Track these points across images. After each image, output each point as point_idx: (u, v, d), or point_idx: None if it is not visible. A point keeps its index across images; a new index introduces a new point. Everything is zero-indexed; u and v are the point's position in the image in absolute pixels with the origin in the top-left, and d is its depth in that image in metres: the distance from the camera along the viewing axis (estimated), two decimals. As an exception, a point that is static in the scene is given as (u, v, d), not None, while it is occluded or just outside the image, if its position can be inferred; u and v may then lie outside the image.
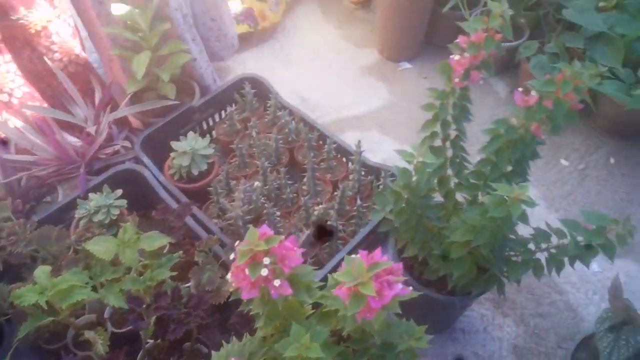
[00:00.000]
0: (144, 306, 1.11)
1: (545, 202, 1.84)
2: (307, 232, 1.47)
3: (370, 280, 0.64)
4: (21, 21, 1.43)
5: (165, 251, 1.31)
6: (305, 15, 2.60)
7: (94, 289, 1.15)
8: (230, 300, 0.84)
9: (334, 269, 1.10)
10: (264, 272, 0.68)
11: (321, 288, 0.83)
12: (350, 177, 1.63)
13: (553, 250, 1.01)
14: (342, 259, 0.73)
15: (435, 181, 1.15)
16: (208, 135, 1.88)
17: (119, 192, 1.42)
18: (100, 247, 1.15)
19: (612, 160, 1.96)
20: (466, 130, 1.11)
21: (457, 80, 0.97)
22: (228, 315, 1.19)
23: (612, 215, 1.75)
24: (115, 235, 1.19)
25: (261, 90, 1.85)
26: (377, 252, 0.69)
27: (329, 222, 1.46)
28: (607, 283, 1.25)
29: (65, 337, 1.26)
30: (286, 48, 2.44)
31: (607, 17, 1.85)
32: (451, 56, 0.98)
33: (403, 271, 1.26)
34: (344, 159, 1.72)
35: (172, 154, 1.58)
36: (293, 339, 0.73)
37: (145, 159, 1.57)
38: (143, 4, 1.62)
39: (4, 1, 1.39)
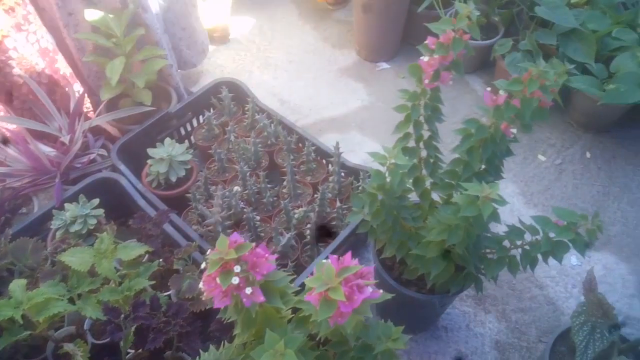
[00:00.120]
0: (122, 316, 1.10)
1: (524, 197, 1.86)
2: (287, 235, 1.47)
3: (339, 285, 0.64)
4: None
5: (144, 260, 1.30)
6: (282, 17, 2.60)
7: (72, 300, 1.14)
8: (211, 307, 0.84)
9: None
10: (235, 280, 0.68)
11: (299, 292, 0.83)
12: (330, 179, 1.63)
13: (527, 247, 1.02)
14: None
15: (411, 181, 1.16)
16: (187, 141, 1.87)
17: (96, 201, 1.41)
18: (76, 258, 1.14)
19: (588, 155, 1.99)
20: (445, 128, 1.12)
21: (427, 81, 0.98)
22: (210, 322, 1.19)
23: (590, 208, 1.81)
24: (93, 245, 1.18)
25: (239, 93, 1.85)
26: (347, 256, 0.69)
27: (332, 223, 1.47)
28: (586, 275, 1.26)
29: (44, 350, 1.25)
30: (264, 51, 2.43)
31: (579, 13, 1.88)
32: (421, 57, 0.99)
33: (383, 271, 1.28)
34: (324, 161, 1.72)
35: (149, 161, 1.57)
36: (267, 346, 0.73)
37: (122, 167, 1.56)
38: (119, 10, 1.61)
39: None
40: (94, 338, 1.24)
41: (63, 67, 1.63)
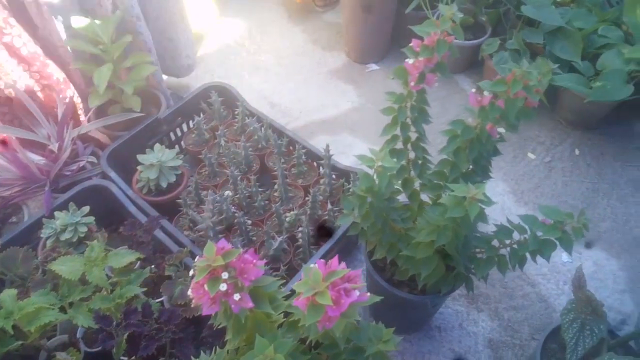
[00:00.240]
0: (114, 324, 1.10)
1: (514, 195, 1.87)
2: (279, 239, 1.47)
3: (326, 290, 0.65)
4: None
5: (136, 267, 1.30)
6: (271, 20, 2.60)
7: (63, 309, 1.13)
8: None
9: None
10: (223, 287, 0.68)
11: (290, 296, 0.83)
12: (321, 181, 1.64)
13: (515, 246, 1.03)
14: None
15: (400, 183, 1.16)
16: (177, 146, 1.87)
17: (86, 209, 1.40)
18: (67, 267, 1.14)
19: (576, 152, 2.00)
20: (435, 128, 1.12)
21: (412, 83, 0.99)
22: (202, 328, 1.19)
23: (580, 205, 1.83)
24: (83, 253, 1.18)
25: (228, 98, 1.85)
26: (334, 260, 0.69)
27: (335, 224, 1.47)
28: (577, 272, 1.27)
29: (37, 360, 1.24)
30: (253, 54, 2.44)
31: (565, 11, 1.90)
32: (406, 60, 0.99)
33: (375, 272, 1.28)
34: (315, 164, 1.73)
35: (139, 167, 1.57)
36: (257, 351, 0.73)
37: (113, 174, 1.56)
38: (107, 16, 1.60)
39: None
40: (87, 346, 1.23)
41: (56, 73, 1.61)
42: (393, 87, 1.09)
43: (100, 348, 1.17)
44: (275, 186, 1.63)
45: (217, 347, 0.94)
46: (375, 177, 0.96)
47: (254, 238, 1.56)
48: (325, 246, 1.41)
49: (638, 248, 1.72)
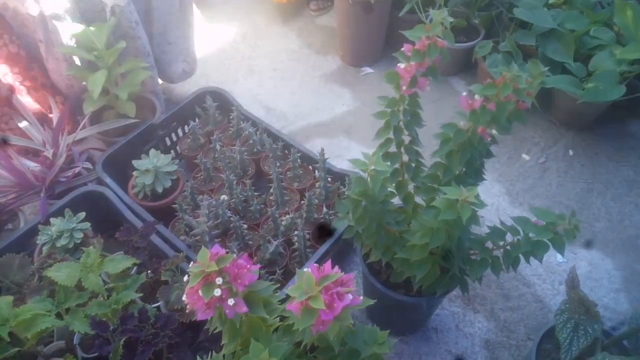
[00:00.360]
0: (111, 329, 1.10)
1: (509, 197, 1.88)
2: (275, 242, 1.47)
3: (319, 294, 0.65)
4: None
5: (132, 272, 1.30)
6: (266, 25, 2.61)
7: (60, 315, 1.14)
8: (200, 317, 0.85)
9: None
10: (217, 292, 0.69)
11: (286, 300, 0.84)
12: (317, 185, 1.64)
13: (508, 248, 1.03)
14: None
15: (394, 185, 1.17)
16: (172, 151, 1.87)
17: (82, 215, 1.40)
18: (63, 273, 1.14)
19: (570, 152, 2.02)
20: (430, 130, 1.13)
21: (404, 87, 1.00)
22: (199, 332, 1.19)
23: (574, 206, 1.84)
24: (80, 259, 1.18)
25: (223, 102, 1.85)
26: (327, 264, 0.70)
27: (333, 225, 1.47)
28: (572, 272, 1.28)
29: (34, 366, 1.24)
30: (248, 58, 2.44)
31: (557, 13, 1.91)
32: (398, 64, 1.00)
33: (370, 275, 1.29)
34: (310, 167, 1.73)
35: (134, 173, 1.57)
36: (252, 355, 0.73)
37: (108, 180, 1.56)
38: (101, 23, 1.61)
39: None
40: (83, 352, 1.24)
41: (40, 77, 1.61)
42: (388, 91, 1.09)
43: (97, 354, 1.17)
44: (271, 190, 1.64)
45: (214, 351, 0.95)
46: (368, 180, 0.97)
47: (250, 242, 1.56)
48: (322, 249, 1.42)
49: (633, 247, 1.73)
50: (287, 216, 1.54)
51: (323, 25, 2.61)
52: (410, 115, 1.04)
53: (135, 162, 1.57)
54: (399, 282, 1.27)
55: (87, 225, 1.39)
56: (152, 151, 1.61)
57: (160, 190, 1.57)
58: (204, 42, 2.48)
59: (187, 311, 0.95)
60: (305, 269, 0.70)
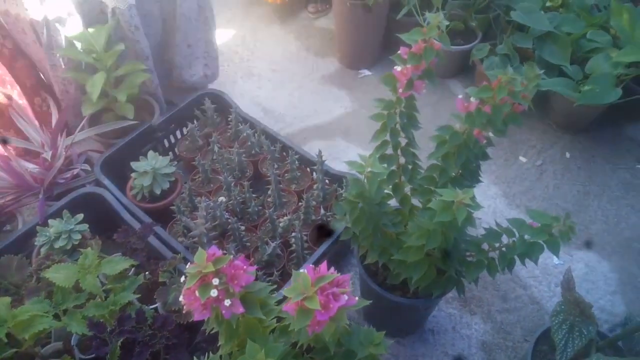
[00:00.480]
0: (108, 331, 1.10)
1: (506, 199, 1.89)
2: (273, 244, 1.48)
3: (315, 295, 0.66)
4: None
5: (130, 273, 1.31)
6: (264, 27, 2.62)
7: (57, 317, 1.14)
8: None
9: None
10: (214, 293, 0.69)
11: (282, 301, 0.84)
12: (315, 186, 1.65)
13: (503, 249, 1.04)
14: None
15: (390, 187, 1.18)
16: (171, 153, 1.88)
17: (80, 216, 1.41)
18: (60, 274, 1.14)
19: (567, 155, 2.03)
20: (427, 133, 1.14)
21: (401, 90, 1.00)
22: (197, 333, 1.19)
23: (571, 208, 1.85)
24: (77, 260, 1.18)
25: (222, 104, 1.86)
26: (323, 266, 0.71)
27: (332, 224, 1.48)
28: (568, 274, 1.29)
29: (31, 367, 1.24)
30: (247, 61, 2.45)
31: (554, 16, 1.92)
32: (395, 67, 1.01)
33: (367, 277, 1.29)
34: (308, 169, 1.74)
35: (133, 175, 1.58)
36: (249, 356, 0.74)
37: (106, 181, 1.56)
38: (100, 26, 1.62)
39: None
40: (81, 353, 1.24)
41: (39, 80, 1.62)
42: (386, 93, 1.10)
43: (94, 355, 1.17)
44: (269, 192, 1.64)
45: (211, 352, 0.95)
46: (365, 182, 0.98)
47: (248, 244, 1.57)
48: (319, 251, 1.42)
49: (629, 249, 1.74)
50: (285, 218, 1.55)
51: (321, 28, 2.62)
52: (406, 118, 1.05)
53: (133, 164, 1.57)
54: (396, 283, 1.27)
55: (85, 226, 1.39)
56: (151, 153, 1.61)
57: (158, 192, 1.58)
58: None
59: (184, 312, 0.95)
60: (301, 270, 0.71)
